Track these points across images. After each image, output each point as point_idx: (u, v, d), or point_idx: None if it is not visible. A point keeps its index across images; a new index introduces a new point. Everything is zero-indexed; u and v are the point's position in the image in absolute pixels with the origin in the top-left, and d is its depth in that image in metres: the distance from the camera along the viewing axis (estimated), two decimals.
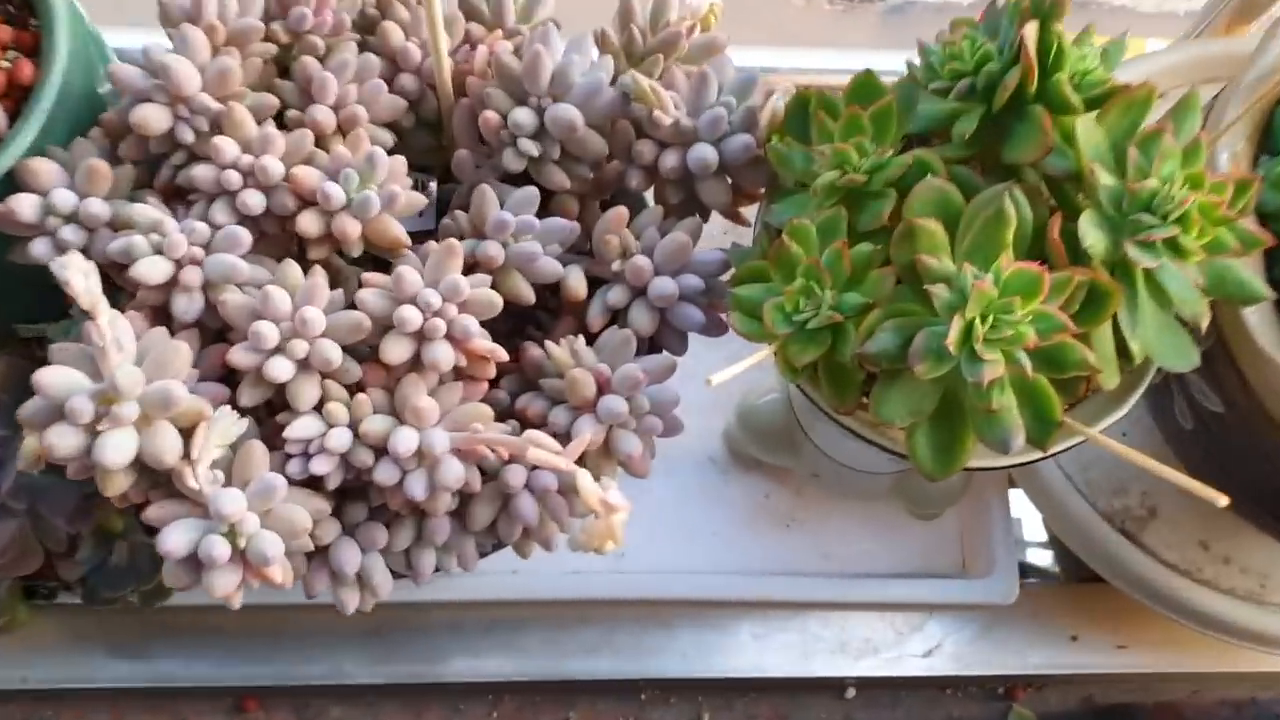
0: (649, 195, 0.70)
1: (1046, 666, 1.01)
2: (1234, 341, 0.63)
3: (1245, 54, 0.70)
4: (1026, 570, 1.02)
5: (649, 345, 0.65)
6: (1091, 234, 0.54)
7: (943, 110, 0.60)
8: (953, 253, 0.56)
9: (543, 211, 0.65)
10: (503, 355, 0.61)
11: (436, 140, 0.71)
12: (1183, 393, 0.74)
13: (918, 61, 0.61)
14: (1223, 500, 0.52)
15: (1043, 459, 0.58)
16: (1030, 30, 0.56)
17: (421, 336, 0.59)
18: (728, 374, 0.56)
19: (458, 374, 0.61)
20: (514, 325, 0.69)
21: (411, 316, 0.58)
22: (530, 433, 0.58)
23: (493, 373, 0.62)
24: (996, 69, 0.58)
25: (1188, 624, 0.89)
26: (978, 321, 0.52)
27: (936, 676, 1.01)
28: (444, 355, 0.59)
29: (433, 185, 0.69)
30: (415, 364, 0.60)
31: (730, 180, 0.66)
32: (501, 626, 0.98)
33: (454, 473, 0.58)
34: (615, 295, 0.64)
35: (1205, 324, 0.56)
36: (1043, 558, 1.04)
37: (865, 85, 0.61)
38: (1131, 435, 0.86)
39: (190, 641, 0.97)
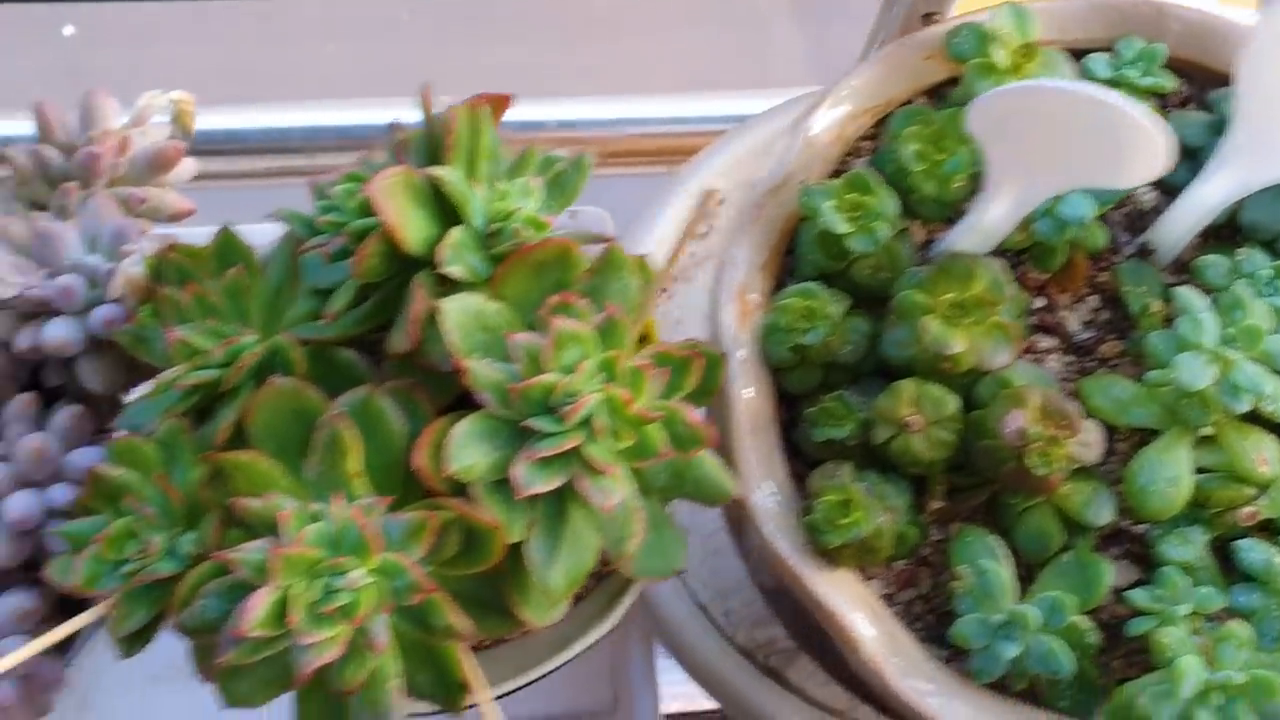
0: None
1: None
2: (745, 519, 0.51)
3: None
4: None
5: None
6: (466, 453, 0.41)
7: (328, 279, 0.47)
8: (299, 483, 0.42)
9: None
10: None
11: None
12: (756, 548, 0.62)
13: None
14: None
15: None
16: (384, 181, 0.43)
17: None
18: None
19: None
20: None
21: None
22: None
23: None
24: (364, 226, 0.44)
25: None
26: (294, 590, 0.39)
27: None
28: None
29: None
30: None
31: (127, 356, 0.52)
32: None
33: None
34: None
35: (633, 546, 0.43)
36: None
37: (225, 247, 0.47)
38: (739, 591, 0.74)
39: None
